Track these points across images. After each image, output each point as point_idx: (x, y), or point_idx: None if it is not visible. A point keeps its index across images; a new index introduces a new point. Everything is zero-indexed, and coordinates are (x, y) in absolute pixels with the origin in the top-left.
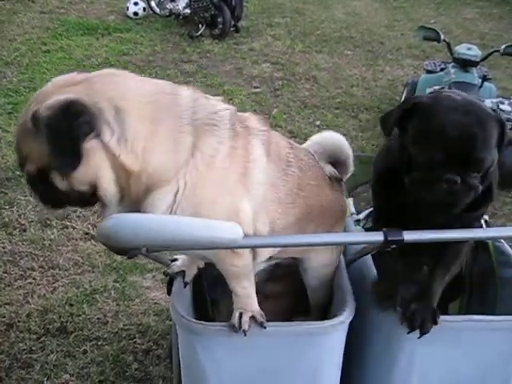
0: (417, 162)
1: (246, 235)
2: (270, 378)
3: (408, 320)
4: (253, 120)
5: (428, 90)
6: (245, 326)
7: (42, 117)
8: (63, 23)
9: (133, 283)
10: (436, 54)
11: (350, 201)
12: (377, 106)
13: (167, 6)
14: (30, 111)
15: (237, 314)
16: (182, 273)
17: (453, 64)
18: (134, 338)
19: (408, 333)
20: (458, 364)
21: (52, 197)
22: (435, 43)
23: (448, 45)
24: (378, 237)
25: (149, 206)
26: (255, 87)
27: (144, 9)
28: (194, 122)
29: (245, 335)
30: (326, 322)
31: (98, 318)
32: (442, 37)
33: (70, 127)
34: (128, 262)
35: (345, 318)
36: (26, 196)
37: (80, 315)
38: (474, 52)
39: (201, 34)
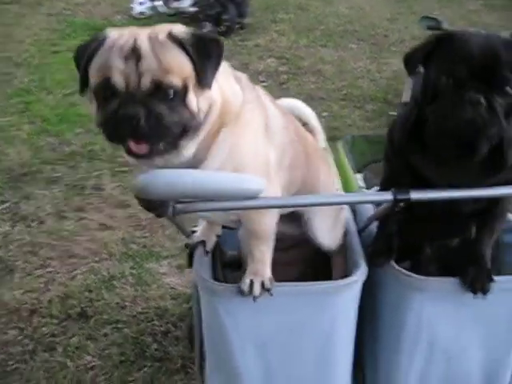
0: (441, 87)
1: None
2: (288, 336)
3: (469, 285)
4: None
5: None
6: (256, 293)
7: (184, 35)
8: (70, 24)
9: (149, 269)
10: None
11: (359, 176)
12: (382, 96)
13: (172, 5)
14: (162, 29)
15: (247, 281)
16: (203, 242)
17: None
18: (153, 320)
19: (474, 297)
20: (464, 323)
21: (160, 121)
22: None
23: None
24: (387, 196)
25: (216, 144)
26: (262, 81)
27: (149, 8)
28: (237, 78)
29: (254, 301)
30: (341, 281)
31: (116, 303)
32: (446, 26)
33: (217, 53)
34: (144, 250)
35: (358, 277)
36: (41, 190)
37: (99, 300)
38: None
39: (208, 31)
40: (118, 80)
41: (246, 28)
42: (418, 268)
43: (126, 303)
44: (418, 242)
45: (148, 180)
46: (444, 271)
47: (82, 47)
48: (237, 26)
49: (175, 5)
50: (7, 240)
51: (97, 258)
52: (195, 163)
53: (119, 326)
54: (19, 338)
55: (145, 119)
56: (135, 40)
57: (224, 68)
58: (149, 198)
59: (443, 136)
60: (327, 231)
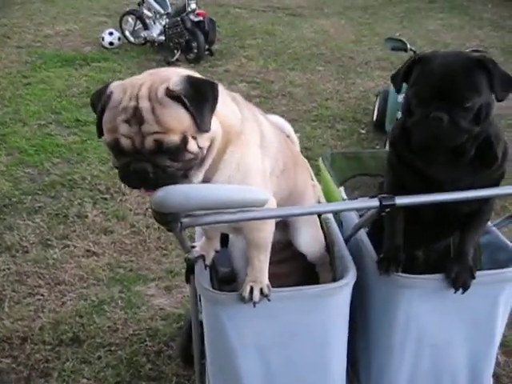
0: (413, 105)
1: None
2: (286, 338)
3: (452, 281)
4: None
5: (399, 97)
6: (256, 299)
7: (176, 86)
8: (41, 56)
9: (137, 292)
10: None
11: (342, 189)
12: (351, 116)
13: (141, 34)
14: (151, 88)
15: (248, 288)
16: (202, 257)
17: None
18: (145, 341)
19: (455, 292)
20: (449, 317)
21: (166, 171)
22: (402, 54)
23: (414, 53)
24: (374, 202)
25: (223, 162)
26: None
27: (119, 38)
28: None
29: (254, 306)
30: (333, 284)
31: (108, 326)
32: (409, 46)
33: (213, 96)
34: (131, 274)
35: (348, 279)
36: (24, 220)
37: (91, 325)
38: None
39: (177, 59)
40: (125, 143)
41: (215, 54)
42: (411, 272)
43: (118, 326)
44: (414, 246)
45: (165, 194)
46: (433, 272)
47: (94, 98)
48: (206, 53)
49: (144, 34)
50: None
51: (85, 284)
52: (205, 180)
53: (112, 348)
54: (13, 365)
55: (152, 172)
56: (137, 101)
57: (221, 93)
58: (166, 211)
59: (421, 145)
60: (311, 242)
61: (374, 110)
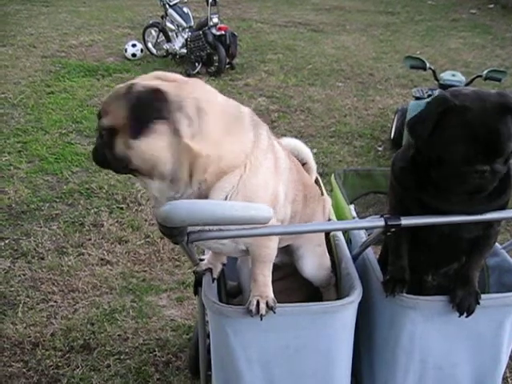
0: (449, 159)
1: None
2: (290, 352)
3: (457, 306)
4: None
5: None
6: (262, 312)
7: (136, 89)
8: (64, 66)
9: (149, 302)
10: (423, 83)
11: (352, 207)
12: (369, 133)
13: (164, 47)
14: (128, 83)
15: (254, 302)
16: (210, 270)
17: (439, 90)
18: (154, 351)
19: (459, 316)
20: (453, 339)
21: (104, 156)
22: (422, 72)
23: (434, 72)
24: (379, 222)
25: (214, 190)
26: None
27: (141, 50)
28: (252, 123)
29: (261, 319)
30: (339, 302)
31: (118, 335)
32: (428, 65)
33: (145, 105)
34: (144, 284)
35: (354, 297)
36: (41, 227)
37: (102, 333)
38: (458, 78)
39: (198, 72)
40: None
41: (236, 68)
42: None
43: (128, 335)
44: (422, 270)
45: (171, 209)
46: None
47: None
48: (227, 67)
49: (166, 47)
50: (8, 276)
51: (98, 292)
52: (201, 197)
53: (122, 357)
54: (24, 370)
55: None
56: None
57: (234, 125)
58: (170, 225)
59: (458, 193)
60: (315, 269)
61: (391, 128)
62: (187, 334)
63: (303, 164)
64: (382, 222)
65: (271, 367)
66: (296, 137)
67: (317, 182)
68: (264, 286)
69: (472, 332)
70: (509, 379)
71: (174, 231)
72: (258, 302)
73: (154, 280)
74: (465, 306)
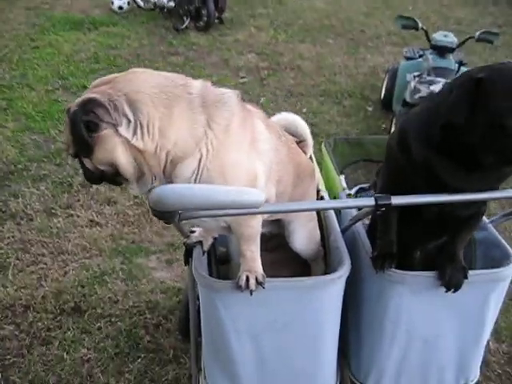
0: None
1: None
2: (279, 326)
3: (446, 283)
4: (248, 104)
5: (408, 76)
6: (252, 287)
7: (71, 110)
8: (49, 19)
9: (139, 265)
10: (415, 41)
11: (342, 177)
12: (359, 92)
13: (151, 0)
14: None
15: (244, 277)
16: (200, 243)
17: (431, 51)
18: (144, 314)
19: (446, 291)
20: (438, 312)
21: (88, 174)
22: (414, 31)
23: (426, 32)
24: (370, 201)
25: (176, 177)
26: (242, 77)
27: (128, 3)
28: (204, 103)
29: (251, 294)
30: (327, 277)
31: (109, 297)
32: (420, 25)
33: (82, 120)
34: (133, 246)
35: (342, 272)
36: (29, 188)
37: (92, 295)
38: (450, 39)
39: (186, 27)
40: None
41: (225, 23)
42: (408, 269)
43: (119, 297)
44: (412, 246)
45: (161, 193)
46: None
47: None
48: (216, 21)
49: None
50: None
51: (87, 254)
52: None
53: (113, 319)
54: (15, 332)
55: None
56: None
57: (177, 111)
58: (162, 209)
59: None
60: (306, 243)
61: (381, 88)
62: (177, 297)
63: (300, 141)
64: (372, 202)
65: (260, 339)
66: (286, 96)
67: (310, 158)
68: (253, 261)
69: (457, 306)
70: (490, 341)
71: (165, 214)
72: (247, 278)
73: (144, 242)
74: (453, 283)
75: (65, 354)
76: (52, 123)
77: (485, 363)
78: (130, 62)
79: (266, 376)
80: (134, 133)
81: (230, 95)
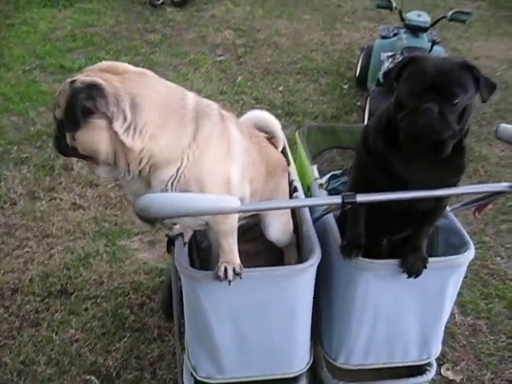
0: (404, 100)
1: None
2: (257, 311)
3: (407, 269)
4: (223, 110)
5: (382, 55)
6: (230, 278)
7: (75, 85)
8: None
9: (122, 246)
10: (390, 16)
11: (315, 167)
12: (335, 69)
13: None
14: (74, 78)
15: (222, 268)
16: (181, 235)
17: (404, 30)
18: (129, 294)
19: (407, 277)
20: (402, 296)
21: (60, 144)
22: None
23: (400, 12)
24: (337, 199)
25: (154, 178)
26: (219, 55)
27: None
28: (195, 118)
29: (229, 284)
30: (300, 266)
31: (94, 279)
32: (394, 5)
33: (82, 100)
34: (116, 228)
35: (313, 261)
36: (11, 171)
37: (78, 277)
38: (424, 18)
39: (162, 2)
40: None
41: None
42: (376, 257)
43: (103, 279)
44: (379, 237)
45: (146, 202)
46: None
47: None
48: None
49: None
50: None
51: (71, 237)
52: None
53: (98, 300)
54: (5, 315)
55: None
56: None
57: (172, 121)
58: (147, 217)
59: (410, 137)
60: (280, 234)
61: (356, 66)
62: (159, 277)
63: (271, 137)
64: (338, 200)
65: (240, 323)
66: (263, 73)
67: (284, 151)
68: (230, 253)
69: (419, 289)
70: (456, 315)
71: (150, 219)
72: (225, 269)
73: (126, 224)
74: (414, 270)
75: (54, 334)
76: (31, 104)
77: (450, 335)
78: (107, 40)
79: (245, 355)
80: (126, 130)
81: (213, 107)
